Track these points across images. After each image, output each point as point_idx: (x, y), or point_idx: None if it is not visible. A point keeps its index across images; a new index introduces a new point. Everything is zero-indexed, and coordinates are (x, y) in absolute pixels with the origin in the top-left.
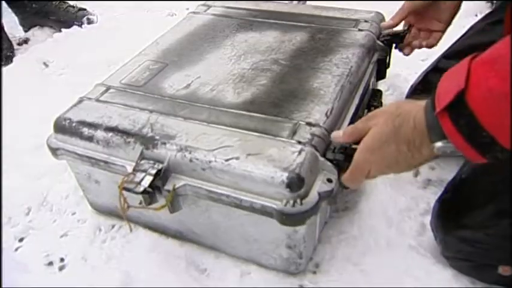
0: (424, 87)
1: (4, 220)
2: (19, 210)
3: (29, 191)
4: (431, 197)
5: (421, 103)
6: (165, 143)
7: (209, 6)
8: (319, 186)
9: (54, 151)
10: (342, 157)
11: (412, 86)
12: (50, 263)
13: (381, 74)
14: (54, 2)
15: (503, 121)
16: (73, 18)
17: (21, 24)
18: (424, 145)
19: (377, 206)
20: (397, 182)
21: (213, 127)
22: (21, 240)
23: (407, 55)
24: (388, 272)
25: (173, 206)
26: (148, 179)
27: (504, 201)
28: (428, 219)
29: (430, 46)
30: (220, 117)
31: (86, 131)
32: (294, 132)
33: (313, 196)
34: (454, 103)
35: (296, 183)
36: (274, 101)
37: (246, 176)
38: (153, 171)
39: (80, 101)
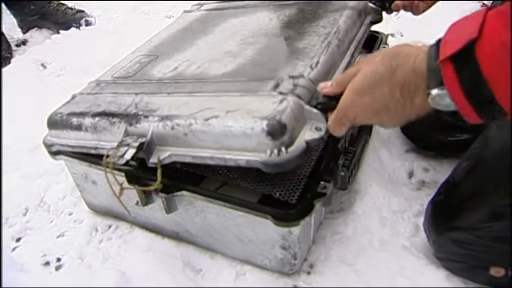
0: None
1: (2, 220)
2: (16, 211)
3: (26, 192)
4: (424, 198)
5: (424, 47)
6: (147, 116)
7: (202, 5)
8: (307, 134)
9: (49, 147)
10: (325, 99)
11: None
12: (47, 263)
13: None
14: (52, 4)
15: (508, 79)
16: (71, 20)
17: (20, 26)
18: (418, 92)
19: (371, 207)
20: (391, 183)
21: (195, 96)
22: (18, 240)
23: (389, 14)
24: (382, 272)
25: (169, 206)
26: (131, 152)
27: (496, 203)
28: (421, 220)
29: (415, 12)
30: (203, 87)
31: (75, 120)
32: (276, 86)
33: (299, 144)
34: (462, 52)
35: (277, 130)
36: (258, 66)
37: (227, 132)
38: (136, 144)
39: (73, 97)
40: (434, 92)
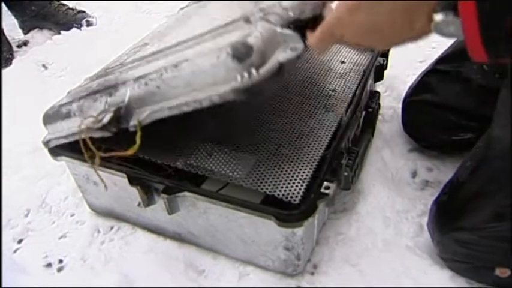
0: (423, 88)
1: (3, 222)
2: (18, 212)
3: (27, 193)
4: (428, 198)
5: None
6: (124, 82)
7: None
8: (280, 55)
9: (47, 145)
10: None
11: (410, 87)
12: (49, 264)
13: (378, 76)
14: (53, 5)
15: None
16: (72, 20)
17: (21, 26)
18: (421, 16)
19: (375, 207)
20: (394, 183)
21: (172, 55)
22: (20, 241)
23: None
24: (386, 272)
25: (171, 207)
26: (108, 116)
27: (500, 204)
28: (425, 220)
29: None
30: (180, 46)
31: (64, 109)
32: (246, 20)
33: (272, 64)
34: None
35: (242, 52)
36: (230, 19)
37: (196, 71)
38: (113, 109)
39: (68, 93)
40: (439, 17)
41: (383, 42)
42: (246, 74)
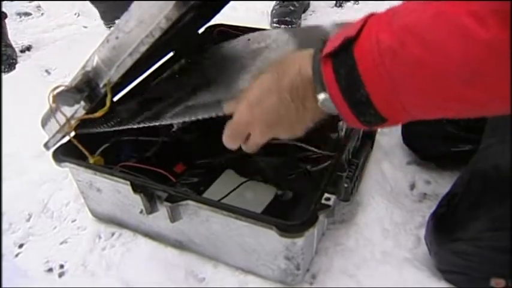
0: None
1: (5, 226)
2: (20, 217)
3: (30, 198)
4: (426, 210)
5: (310, 51)
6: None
7: None
8: None
9: (46, 146)
10: None
11: None
12: (50, 270)
13: None
14: None
15: (382, 79)
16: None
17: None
18: (308, 96)
19: (373, 219)
20: (393, 195)
21: None
22: (21, 246)
23: None
24: (384, 284)
25: (174, 215)
26: (78, 79)
27: (495, 214)
28: (423, 232)
29: None
30: None
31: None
32: None
33: None
34: (340, 51)
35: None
36: None
37: (142, 5)
38: (82, 71)
39: None
40: (321, 96)
41: (288, 130)
42: None
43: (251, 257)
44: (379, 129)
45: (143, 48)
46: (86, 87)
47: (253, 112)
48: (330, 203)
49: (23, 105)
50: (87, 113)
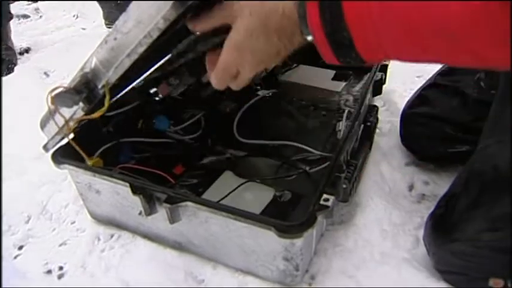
0: (420, 101)
1: (4, 228)
2: (19, 218)
3: (29, 200)
4: (424, 211)
5: None
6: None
7: None
8: None
9: (45, 148)
10: None
11: (409, 101)
12: (49, 271)
13: (377, 90)
14: None
15: (366, 23)
16: None
17: None
18: (295, 34)
19: (372, 220)
20: (391, 196)
21: None
22: (20, 248)
23: None
24: (383, 284)
25: (173, 217)
26: (77, 80)
27: (493, 214)
28: (421, 233)
29: None
30: None
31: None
32: None
33: None
34: None
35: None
36: None
37: (141, 5)
38: (81, 73)
39: None
40: (310, 38)
41: (275, 61)
42: None
43: (250, 258)
44: (377, 131)
45: (141, 49)
46: (85, 89)
47: (242, 54)
48: (329, 203)
49: (22, 107)
50: (85, 114)
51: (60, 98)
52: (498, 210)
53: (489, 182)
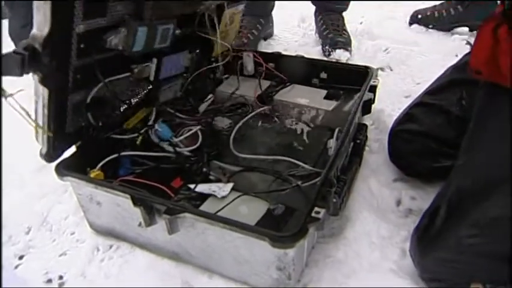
0: (407, 119)
1: (4, 238)
2: (19, 229)
3: (29, 211)
4: (411, 225)
5: None
6: None
7: None
8: None
9: (41, 154)
10: None
11: (397, 119)
12: (49, 280)
13: (366, 110)
14: None
15: None
16: None
17: None
18: None
19: (361, 233)
20: (380, 210)
21: None
22: (21, 257)
23: None
24: None
25: (172, 228)
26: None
27: (472, 221)
28: (408, 245)
29: None
30: None
31: None
32: None
33: None
34: None
35: None
36: None
37: None
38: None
39: None
40: None
41: None
42: None
43: (245, 268)
44: (366, 148)
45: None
46: (24, 51)
47: None
48: (320, 216)
49: (22, 118)
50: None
51: (6, 66)
52: (475, 217)
53: (466, 193)
